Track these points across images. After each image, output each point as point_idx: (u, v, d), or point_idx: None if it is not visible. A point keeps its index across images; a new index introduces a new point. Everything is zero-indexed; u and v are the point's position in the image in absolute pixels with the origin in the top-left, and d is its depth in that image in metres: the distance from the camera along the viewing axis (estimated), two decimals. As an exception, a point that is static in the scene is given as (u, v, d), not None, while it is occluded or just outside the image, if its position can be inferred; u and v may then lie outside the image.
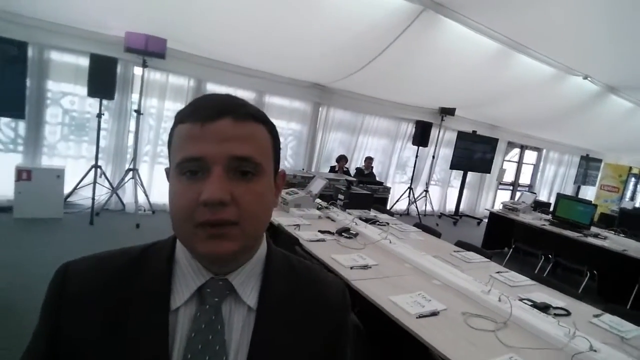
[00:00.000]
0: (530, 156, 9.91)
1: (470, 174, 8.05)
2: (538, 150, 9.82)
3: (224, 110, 0.49)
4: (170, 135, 0.52)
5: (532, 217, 5.40)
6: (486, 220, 6.24)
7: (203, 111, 0.49)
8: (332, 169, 6.07)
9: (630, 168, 10.43)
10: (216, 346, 0.50)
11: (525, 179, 10.00)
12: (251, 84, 5.34)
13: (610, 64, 5.14)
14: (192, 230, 0.47)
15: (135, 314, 0.50)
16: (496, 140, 7.93)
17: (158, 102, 4.87)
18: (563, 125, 7.68)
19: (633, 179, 10.75)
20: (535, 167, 10.02)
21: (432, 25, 4.13)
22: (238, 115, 0.49)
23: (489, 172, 8.25)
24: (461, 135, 7.29)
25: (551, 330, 1.79)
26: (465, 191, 8.13)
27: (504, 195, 9.35)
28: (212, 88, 5.20)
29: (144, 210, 4.76)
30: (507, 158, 9.27)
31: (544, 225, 4.97)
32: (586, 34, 4.28)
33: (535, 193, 7.87)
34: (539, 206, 6.41)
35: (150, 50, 4.11)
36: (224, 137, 0.48)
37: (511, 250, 5.00)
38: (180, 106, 5.02)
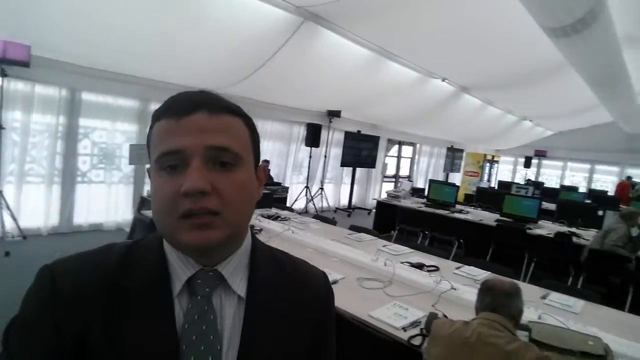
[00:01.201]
0: (407, 150, 11.40)
1: (358, 170, 8.93)
2: (413, 145, 11.35)
3: (199, 104, 0.51)
4: (149, 135, 0.53)
5: (411, 202, 6.33)
6: (374, 209, 7.07)
7: (178, 106, 0.51)
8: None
9: (485, 155, 12.79)
10: (210, 336, 0.51)
11: (404, 170, 11.47)
12: (135, 91, 5.10)
13: (462, 68, 6.36)
14: (176, 223, 0.48)
15: (138, 304, 0.50)
16: (378, 138, 8.98)
17: (23, 115, 4.33)
18: (430, 121, 9.08)
19: (487, 164, 13.20)
20: (412, 159, 11.57)
21: (313, 35, 4.60)
22: (213, 108, 0.51)
23: (374, 167, 9.27)
24: (348, 135, 8.07)
25: (424, 281, 2.31)
26: (355, 186, 8.99)
27: (388, 187, 10.59)
28: (88, 97, 4.84)
29: (13, 237, 4.20)
30: (388, 153, 10.53)
31: (420, 207, 5.91)
32: (442, 43, 5.26)
33: (412, 181, 9.16)
34: (416, 192, 7.51)
35: (10, 58, 3.68)
36: (200, 129, 0.49)
37: (396, 231, 5.80)
38: (51, 119, 4.43)
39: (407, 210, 5.95)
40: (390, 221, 6.09)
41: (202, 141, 0.49)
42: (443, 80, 6.85)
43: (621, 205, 6.53)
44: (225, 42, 4.39)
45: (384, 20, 4.48)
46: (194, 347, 0.50)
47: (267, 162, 6.75)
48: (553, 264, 4.50)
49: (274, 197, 4.85)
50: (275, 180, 6.85)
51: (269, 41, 4.54)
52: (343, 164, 8.21)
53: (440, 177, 12.21)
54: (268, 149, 7.27)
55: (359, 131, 8.40)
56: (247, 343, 0.53)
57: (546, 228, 5.01)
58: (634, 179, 10.84)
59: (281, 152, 7.58)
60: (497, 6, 3.99)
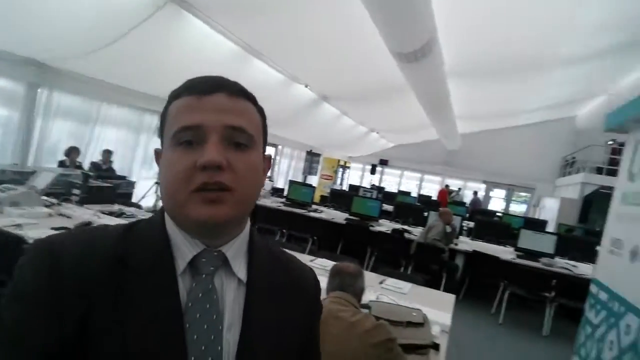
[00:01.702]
0: (268, 151, 11.61)
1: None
2: (275, 146, 11.66)
3: (220, 86, 0.53)
4: (164, 114, 0.55)
5: (270, 201, 6.48)
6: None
7: (199, 86, 0.53)
8: (62, 164, 5.19)
9: (339, 161, 14.03)
10: (213, 315, 0.52)
11: (266, 171, 11.68)
12: None
13: (323, 76, 6.84)
14: (187, 197, 0.49)
15: (142, 282, 0.49)
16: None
17: None
18: (292, 124, 9.48)
19: (341, 169, 14.52)
20: (274, 160, 11.86)
21: (176, 19, 4.28)
22: (232, 91, 0.54)
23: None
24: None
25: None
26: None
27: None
28: None
29: None
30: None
31: (279, 206, 6.10)
32: (308, 49, 5.55)
33: (273, 181, 9.39)
34: (276, 192, 7.74)
35: None
36: (220, 108, 0.52)
37: (255, 229, 5.85)
38: None
39: (267, 209, 6.06)
40: (251, 220, 6.09)
41: (221, 119, 0.51)
42: (306, 86, 7.26)
43: (440, 208, 8.07)
44: (76, 11, 3.70)
45: (253, 16, 4.49)
46: (197, 326, 0.50)
47: (109, 152, 5.93)
48: (389, 255, 5.26)
49: (117, 192, 4.28)
50: (119, 173, 6.06)
51: (126, 18, 4.02)
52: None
53: (300, 178, 12.87)
54: (112, 138, 6.39)
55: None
56: (248, 325, 0.54)
57: (385, 226, 5.81)
58: (450, 187, 13.51)
59: (128, 143, 6.76)
60: (357, 23, 4.44)
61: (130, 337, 0.46)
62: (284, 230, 5.78)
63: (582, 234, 7.10)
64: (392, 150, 15.88)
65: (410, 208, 7.02)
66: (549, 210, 10.84)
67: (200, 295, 0.52)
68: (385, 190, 11.20)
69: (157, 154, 0.56)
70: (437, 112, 7.93)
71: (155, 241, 0.53)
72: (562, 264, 4.77)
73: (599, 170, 10.27)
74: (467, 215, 8.53)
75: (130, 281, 0.49)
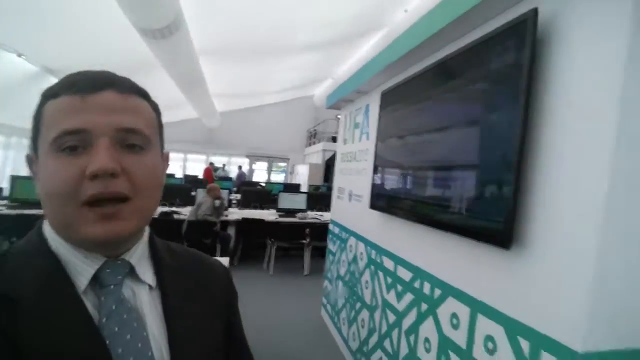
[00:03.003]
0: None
1: None
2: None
3: (107, 82, 0.48)
4: (38, 114, 0.48)
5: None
6: None
7: (83, 83, 0.47)
8: None
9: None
10: (133, 323, 0.49)
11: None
12: None
13: (46, 46, 5.61)
14: (77, 212, 0.44)
15: (38, 314, 0.44)
16: None
17: None
18: (2, 104, 7.44)
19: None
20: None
21: None
22: (122, 88, 0.49)
23: None
24: None
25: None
26: None
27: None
28: None
29: None
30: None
31: (1, 210, 4.85)
32: (18, 11, 4.41)
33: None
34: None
35: None
36: (109, 108, 0.47)
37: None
38: None
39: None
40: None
41: (111, 121, 0.46)
42: (19, 55, 5.82)
43: (207, 185, 8.34)
44: None
45: None
46: (119, 338, 0.47)
47: None
48: (162, 236, 5.13)
49: None
50: None
51: None
52: None
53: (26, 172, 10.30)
54: None
55: None
56: (173, 327, 0.53)
57: (153, 211, 5.57)
58: (215, 164, 13.96)
59: None
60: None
61: None
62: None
63: (326, 190, 8.94)
64: (150, 131, 14.82)
65: (176, 189, 6.95)
66: (302, 175, 12.99)
67: (113, 307, 0.49)
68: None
69: (31, 159, 0.50)
70: (192, 89, 8.00)
71: (41, 266, 0.47)
72: (313, 215, 5.96)
73: (334, 139, 13.01)
74: (235, 188, 9.18)
75: (22, 319, 0.43)
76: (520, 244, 1.26)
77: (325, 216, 6.03)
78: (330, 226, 3.81)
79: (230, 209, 6.23)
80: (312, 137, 15.17)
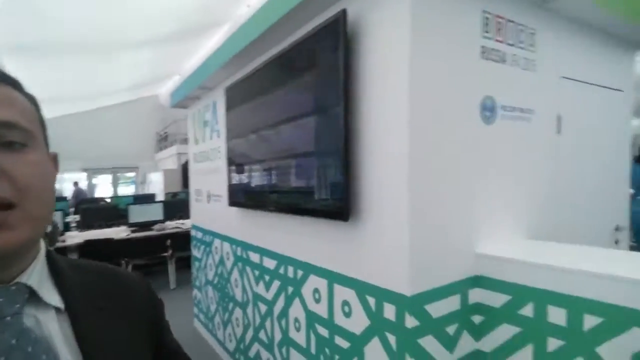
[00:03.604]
0: None
1: None
2: None
3: None
4: None
5: None
6: None
7: None
8: None
9: None
10: (42, 356, 0.43)
11: None
12: None
13: None
14: None
15: None
16: None
17: None
18: None
19: None
20: None
21: None
22: None
23: None
24: None
25: None
26: None
27: None
28: None
29: None
30: None
31: None
32: None
33: None
34: None
35: None
36: None
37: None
38: None
39: None
40: None
41: None
42: None
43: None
44: None
45: None
46: None
47: None
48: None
49: None
50: None
51: None
52: None
53: None
54: None
55: None
56: (90, 351, 0.48)
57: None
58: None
59: None
60: None
61: None
62: None
63: (185, 196, 8.46)
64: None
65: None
66: (156, 183, 11.96)
67: (13, 342, 0.41)
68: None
69: None
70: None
71: None
72: (173, 225, 5.58)
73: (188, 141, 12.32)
74: (72, 209, 7.94)
75: None
76: (356, 216, 1.46)
77: (187, 224, 5.72)
78: (193, 232, 3.66)
79: (69, 233, 5.37)
80: (163, 140, 14.09)
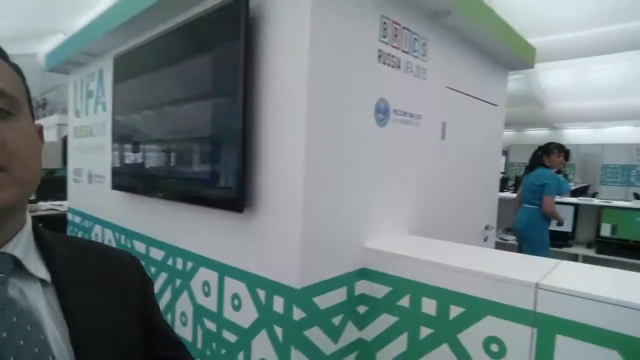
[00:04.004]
0: None
1: None
2: None
3: None
4: None
5: None
6: None
7: None
8: None
9: None
10: (26, 327, 0.42)
11: None
12: None
13: None
14: None
15: None
16: None
17: None
18: None
19: None
20: None
21: None
22: None
23: None
24: None
25: None
26: None
27: None
28: None
29: None
30: None
31: None
32: None
33: None
34: None
35: None
36: None
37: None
38: None
39: None
40: None
41: None
42: None
43: None
44: None
45: None
46: (9, 345, 0.40)
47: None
48: None
49: None
50: None
51: None
52: None
53: None
54: None
55: None
56: (76, 325, 0.47)
57: None
58: None
59: None
60: None
61: None
62: None
63: (65, 174, 7.45)
64: None
65: None
66: (29, 157, 10.31)
67: None
68: None
69: None
70: None
71: None
72: (48, 207, 4.86)
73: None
74: None
75: None
76: (251, 208, 1.41)
77: (65, 206, 5.05)
78: (70, 216, 3.22)
79: None
80: (41, 108, 12.15)
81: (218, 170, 1.47)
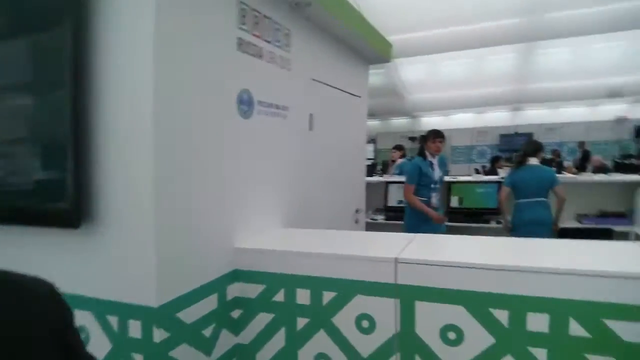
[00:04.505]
0: None
1: None
2: None
3: None
4: None
5: None
6: None
7: None
8: None
9: None
10: None
11: None
12: None
13: None
14: None
15: None
16: None
17: None
18: None
19: None
20: None
21: None
22: None
23: None
24: None
25: None
26: None
27: None
28: None
29: None
30: None
31: None
32: None
33: None
34: None
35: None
36: None
37: None
38: None
39: None
40: None
41: None
42: None
43: None
44: None
45: None
46: None
47: None
48: None
49: None
50: None
51: None
52: None
53: None
54: None
55: None
56: None
57: None
58: None
59: None
60: None
61: None
62: None
63: None
64: None
65: None
66: None
67: None
68: None
69: None
70: None
71: None
72: None
73: None
74: None
75: None
76: (91, 222, 1.17)
77: None
78: None
79: None
80: None
81: (44, 179, 1.19)
